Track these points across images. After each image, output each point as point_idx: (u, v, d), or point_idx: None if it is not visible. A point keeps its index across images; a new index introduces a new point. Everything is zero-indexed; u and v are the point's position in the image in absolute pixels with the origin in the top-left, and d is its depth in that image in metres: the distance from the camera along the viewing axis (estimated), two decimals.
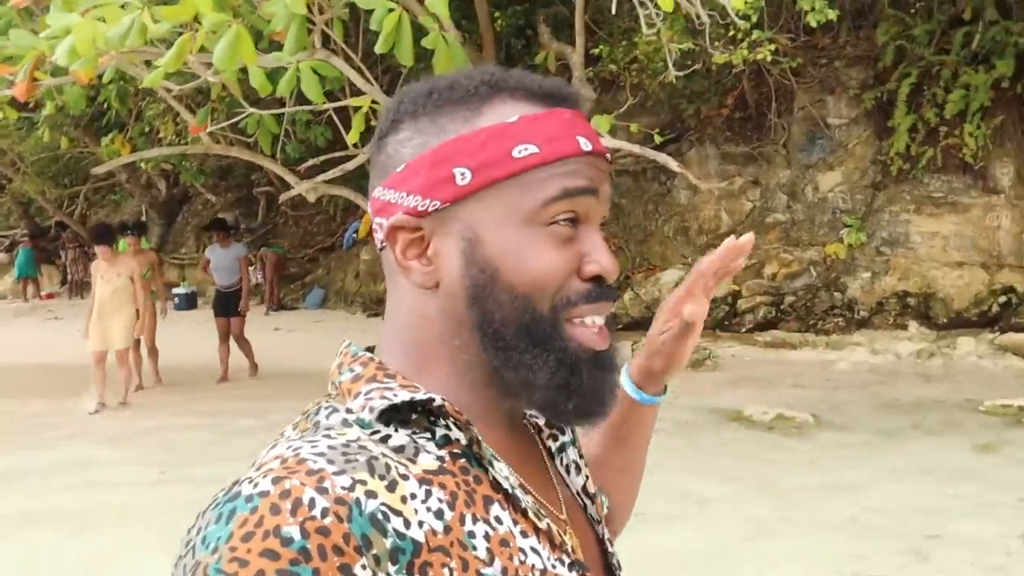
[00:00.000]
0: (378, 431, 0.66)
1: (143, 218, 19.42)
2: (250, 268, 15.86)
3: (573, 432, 0.87)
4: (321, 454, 0.61)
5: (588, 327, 0.71)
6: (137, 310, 8.12)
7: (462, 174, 0.69)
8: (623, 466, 1.01)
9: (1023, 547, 4.12)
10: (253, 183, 17.24)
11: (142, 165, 14.35)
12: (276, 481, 0.58)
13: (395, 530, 0.60)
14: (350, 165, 6.52)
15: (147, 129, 12.83)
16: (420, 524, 0.62)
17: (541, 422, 0.85)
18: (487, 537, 0.65)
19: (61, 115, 13.57)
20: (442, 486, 0.65)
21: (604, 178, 0.73)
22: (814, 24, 6.43)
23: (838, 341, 9.75)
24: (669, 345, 0.91)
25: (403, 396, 0.67)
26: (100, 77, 5.73)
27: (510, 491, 0.68)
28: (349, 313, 14.08)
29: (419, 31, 5.11)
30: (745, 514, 4.68)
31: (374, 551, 0.58)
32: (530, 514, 0.69)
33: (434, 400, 0.67)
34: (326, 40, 5.75)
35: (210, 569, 0.56)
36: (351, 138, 5.82)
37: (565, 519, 0.76)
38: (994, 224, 9.77)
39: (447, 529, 0.63)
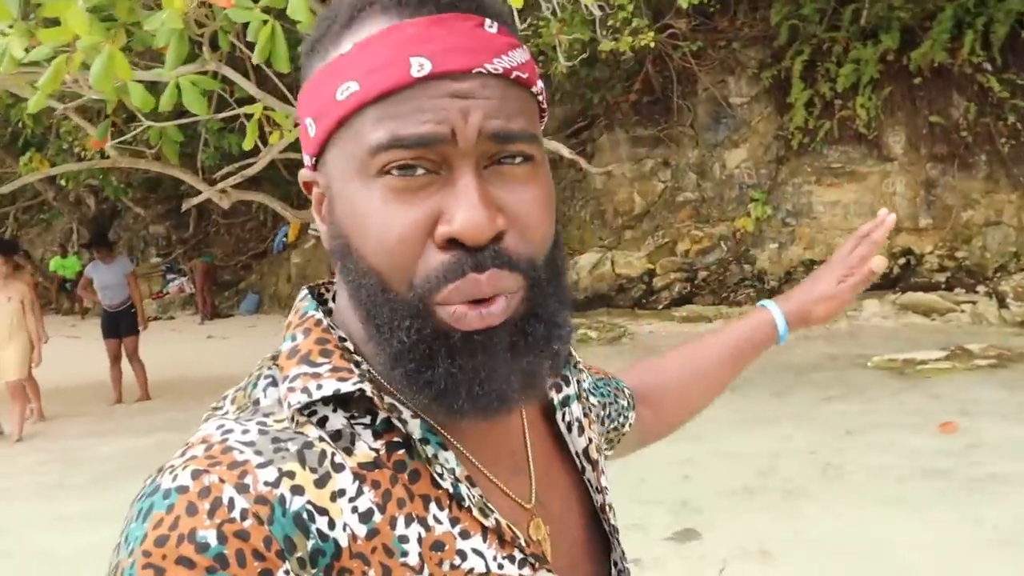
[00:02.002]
0: (316, 411, 0.60)
1: (72, 235, 19.23)
2: (183, 279, 15.91)
3: (579, 385, 0.80)
4: (250, 443, 0.57)
5: (460, 308, 0.59)
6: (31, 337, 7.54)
7: (310, 124, 0.62)
8: (711, 388, 1.08)
9: (814, 473, 4.48)
10: (182, 194, 17.19)
11: (63, 182, 14.26)
12: (196, 475, 0.55)
13: (318, 531, 0.56)
14: (249, 172, 6.68)
15: (65, 146, 12.78)
16: (344, 527, 0.57)
17: None
18: (420, 540, 0.60)
19: None
20: (375, 484, 0.59)
21: (469, 109, 0.57)
22: (685, 5, 6.74)
23: (751, 310, 10.14)
24: (844, 293, 1.05)
25: (327, 388, 0.60)
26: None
27: (451, 490, 0.62)
28: (283, 317, 14.16)
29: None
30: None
31: (298, 554, 0.55)
32: (474, 512, 0.62)
33: (364, 391, 0.60)
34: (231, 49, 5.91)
35: (125, 574, 0.53)
36: (246, 145, 5.99)
37: (531, 506, 0.68)
38: (890, 190, 10.24)
39: (372, 533, 0.58)
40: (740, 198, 10.72)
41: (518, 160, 0.60)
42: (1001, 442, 4.88)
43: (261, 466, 0.56)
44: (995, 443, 4.87)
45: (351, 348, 0.64)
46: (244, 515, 0.54)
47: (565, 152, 6.87)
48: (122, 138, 7.21)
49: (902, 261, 10.15)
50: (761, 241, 10.53)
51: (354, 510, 0.58)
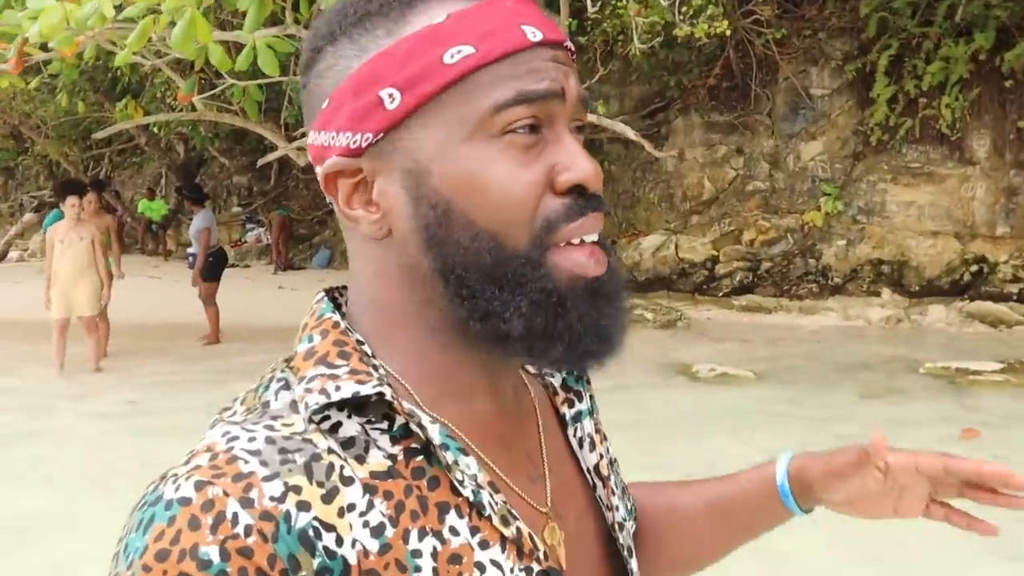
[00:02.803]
0: (328, 416, 0.59)
1: (161, 180, 20.01)
2: (260, 230, 16.46)
3: (592, 401, 0.79)
4: (256, 452, 0.56)
5: (576, 249, 0.61)
6: (106, 274, 7.92)
7: (390, 95, 0.60)
8: (709, 547, 0.89)
9: None
10: (266, 148, 17.72)
11: (155, 129, 14.85)
12: (199, 487, 0.54)
13: (325, 548, 0.55)
14: None
15: (158, 95, 13.32)
16: (353, 543, 0.56)
17: (557, 383, 0.77)
18: (434, 554, 0.58)
19: (80, 81, 14.13)
20: (387, 495, 0.58)
21: (568, 73, 0.63)
22: None
23: (811, 306, 10.08)
24: (854, 495, 0.80)
25: (346, 391, 0.59)
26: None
27: (471, 498, 0.60)
28: None
29: None
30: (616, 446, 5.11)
31: (302, 572, 0.54)
32: (495, 520, 0.61)
33: (383, 395, 0.59)
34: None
35: None
36: None
37: (546, 510, 0.68)
38: (968, 195, 9.98)
39: (384, 548, 0.57)
40: (811, 191, 10.58)
41: (581, 129, 0.65)
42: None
43: (267, 479, 0.54)
44: (1018, 458, 4.85)
45: (369, 352, 0.63)
46: (248, 531, 0.52)
47: (631, 134, 6.93)
48: (209, 93, 7.53)
49: (974, 268, 9.91)
50: (829, 237, 10.39)
51: (365, 524, 0.56)
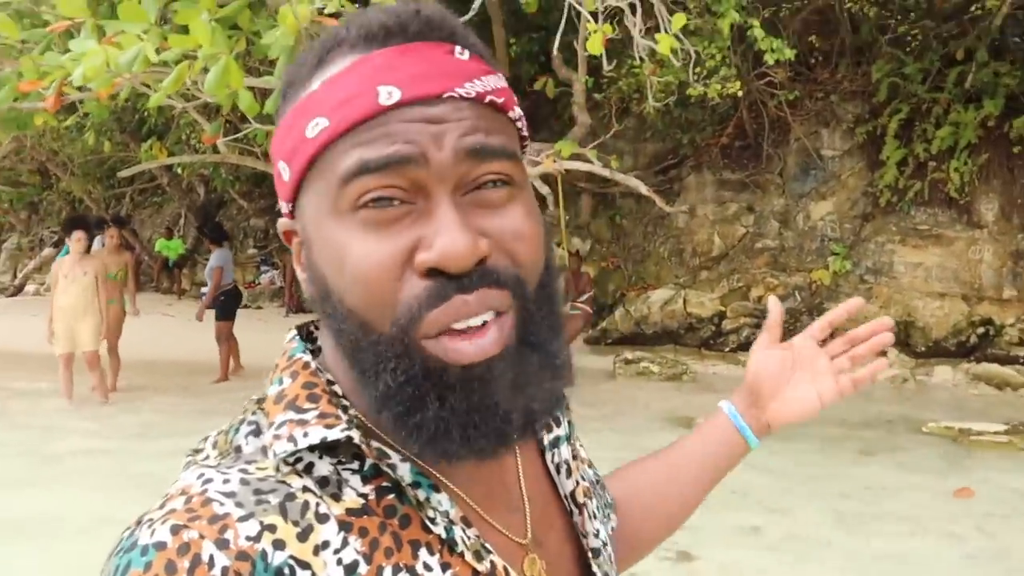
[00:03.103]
0: (301, 458, 0.59)
1: (180, 220, 20.33)
2: (274, 272, 16.67)
3: (570, 426, 0.78)
4: (231, 494, 0.56)
5: (453, 336, 0.56)
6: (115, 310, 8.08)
7: (283, 169, 0.61)
8: (688, 503, 0.96)
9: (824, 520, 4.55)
10: None
11: (178, 170, 15.18)
12: (175, 531, 0.53)
13: None
14: None
15: (183, 137, 13.65)
16: None
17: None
18: None
19: (108, 121, 14.50)
20: (362, 532, 0.58)
21: (442, 132, 0.57)
22: (771, 62, 6.91)
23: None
24: (825, 394, 0.94)
25: (313, 436, 0.58)
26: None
27: (442, 535, 0.60)
28: None
29: None
30: None
31: None
32: (467, 556, 0.60)
33: (351, 438, 0.58)
34: None
35: None
36: None
37: (526, 542, 0.67)
38: (976, 257, 10.08)
39: None
40: (820, 251, 10.70)
41: (498, 184, 0.59)
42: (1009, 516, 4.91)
43: (242, 520, 0.54)
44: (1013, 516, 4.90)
45: (339, 392, 0.63)
46: (225, 573, 0.52)
47: (643, 189, 7.10)
48: (232, 136, 7.77)
49: (980, 331, 9.96)
50: (836, 295, 10.48)
51: (339, 562, 0.56)
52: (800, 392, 0.93)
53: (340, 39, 0.60)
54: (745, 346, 10.60)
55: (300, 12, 4.85)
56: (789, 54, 6.57)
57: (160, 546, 0.52)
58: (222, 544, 0.53)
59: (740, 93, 7.43)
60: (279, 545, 0.54)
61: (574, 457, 0.76)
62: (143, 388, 8.90)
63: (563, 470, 0.74)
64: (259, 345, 11.29)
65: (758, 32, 6.37)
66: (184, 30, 5.24)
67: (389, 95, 0.56)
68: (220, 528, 0.53)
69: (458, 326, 0.56)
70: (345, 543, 0.57)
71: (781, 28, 10.58)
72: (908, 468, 5.95)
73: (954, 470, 5.91)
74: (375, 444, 0.60)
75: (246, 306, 15.86)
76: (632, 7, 5.10)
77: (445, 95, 0.57)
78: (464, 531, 0.61)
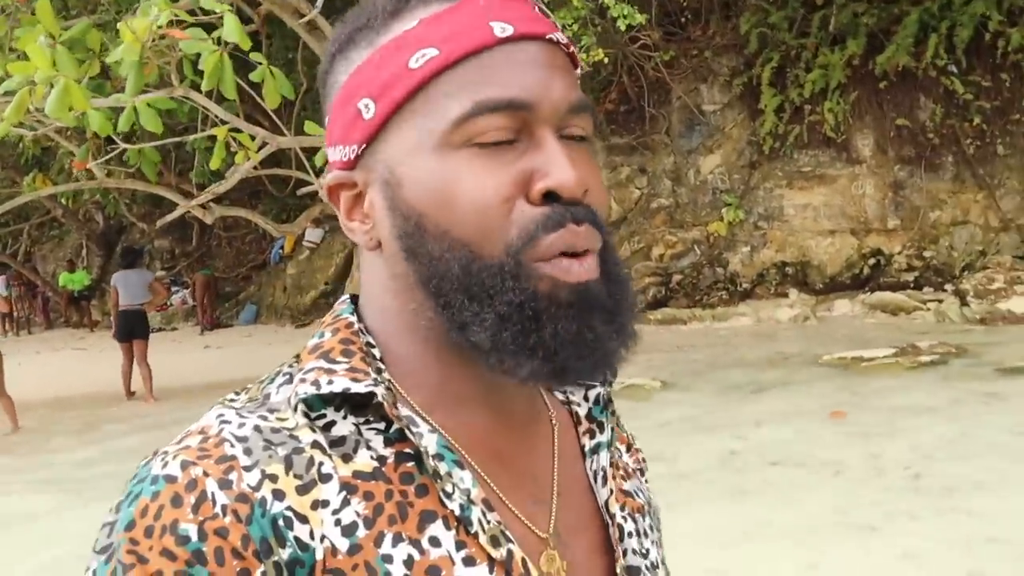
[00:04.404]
0: (324, 414, 0.59)
1: (83, 251, 19.78)
2: (185, 291, 16.37)
3: (612, 432, 0.73)
4: (243, 438, 0.56)
5: (564, 259, 0.58)
6: None
7: (366, 106, 0.60)
8: None
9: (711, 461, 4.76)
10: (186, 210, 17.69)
11: (64, 200, 14.74)
12: (184, 466, 0.55)
13: (296, 539, 0.55)
14: (220, 189, 7.05)
15: (65, 165, 13.25)
16: (322, 538, 0.55)
17: (582, 412, 0.72)
18: (408, 563, 0.56)
19: None
20: (367, 496, 0.57)
21: (550, 76, 0.59)
22: (623, 28, 7.05)
23: (724, 313, 10.43)
24: None
25: (337, 386, 0.59)
26: None
27: (457, 512, 0.58)
28: (279, 326, 14.61)
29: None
30: None
31: (274, 558, 0.54)
32: (482, 539, 0.58)
33: (374, 396, 0.59)
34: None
35: (113, 554, 0.54)
36: (212, 164, 6.36)
37: (546, 536, 0.64)
38: (859, 192, 10.48)
39: (354, 548, 0.56)
40: (713, 203, 10.98)
41: (579, 138, 0.61)
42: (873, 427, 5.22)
43: (247, 468, 0.55)
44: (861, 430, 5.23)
45: (377, 355, 0.63)
46: (224, 511, 0.53)
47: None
48: (104, 158, 7.59)
49: (872, 261, 10.38)
50: (733, 245, 10.79)
51: (336, 522, 0.56)
52: None
53: None
54: (654, 304, 10.86)
55: (137, 28, 4.78)
56: (640, 19, 6.72)
57: (169, 479, 0.54)
58: (224, 484, 0.54)
59: (606, 60, 7.54)
60: (278, 495, 0.55)
61: (612, 464, 0.72)
62: (54, 422, 8.68)
63: (599, 478, 0.70)
64: (175, 367, 11.12)
65: (608, 0, 6.48)
66: (26, 57, 5.12)
67: (503, 30, 0.58)
68: (225, 469, 0.55)
69: (568, 250, 0.57)
70: (346, 503, 0.56)
71: None
72: (797, 399, 6.21)
73: (839, 396, 6.18)
74: (404, 411, 0.60)
75: (160, 329, 15.54)
76: None
77: (548, 36, 0.60)
78: (484, 514, 0.59)
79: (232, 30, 4.57)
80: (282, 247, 15.12)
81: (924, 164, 10.19)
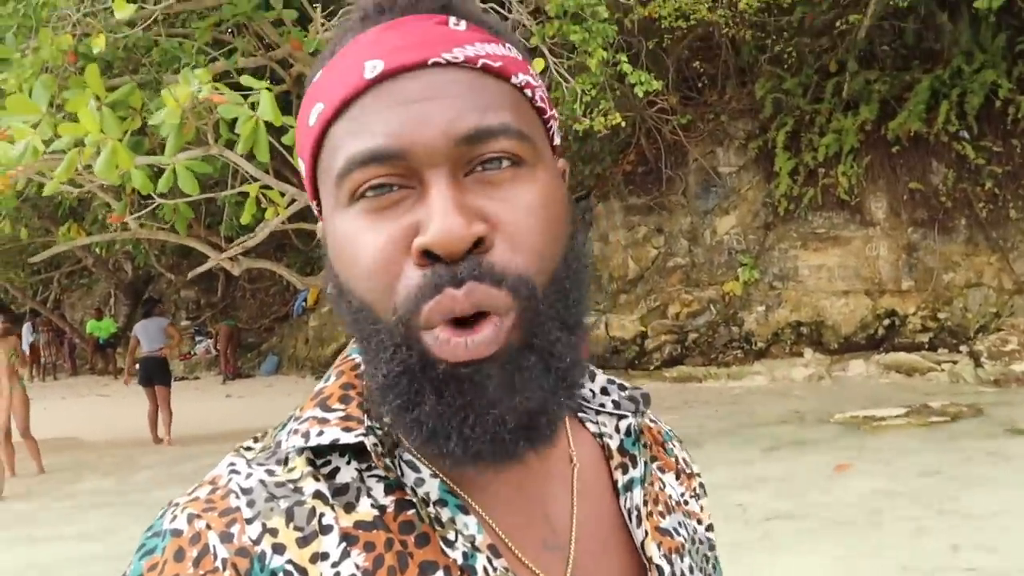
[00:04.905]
0: (329, 460, 0.58)
1: (111, 299, 20.20)
2: (208, 341, 16.66)
3: (646, 466, 0.68)
4: (248, 490, 0.56)
5: (451, 329, 0.53)
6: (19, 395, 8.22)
7: (302, 164, 0.60)
8: None
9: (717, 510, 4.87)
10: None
11: (97, 250, 15.15)
12: (190, 520, 0.55)
13: None
14: (250, 243, 7.34)
15: (100, 216, 13.68)
16: None
17: (614, 444, 0.67)
18: None
19: (24, 207, 14.46)
20: (368, 546, 0.55)
21: (420, 109, 0.53)
22: (641, 95, 7.34)
23: (739, 371, 10.54)
24: None
25: (327, 437, 0.57)
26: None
27: (459, 560, 0.56)
28: (299, 377, 14.84)
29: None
30: None
31: None
32: None
33: (363, 443, 0.57)
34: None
35: None
36: (243, 219, 6.66)
37: None
38: (873, 254, 10.63)
39: None
40: (729, 263, 11.17)
41: (504, 164, 0.55)
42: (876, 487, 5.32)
43: (249, 520, 0.54)
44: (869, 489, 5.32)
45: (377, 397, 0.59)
46: (224, 564, 0.53)
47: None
48: (139, 213, 7.92)
49: (886, 322, 10.48)
50: (749, 304, 10.94)
51: (336, 575, 0.54)
52: None
53: (346, 27, 0.59)
54: (669, 362, 10.99)
55: (179, 95, 5.10)
56: (656, 85, 7.01)
57: (175, 533, 0.54)
58: (225, 537, 0.54)
59: (623, 123, 7.84)
60: (279, 549, 0.54)
61: (645, 502, 0.66)
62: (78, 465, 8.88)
63: (634, 517, 0.65)
64: (196, 414, 11.34)
65: (626, 67, 6.78)
66: (75, 117, 5.45)
67: (373, 68, 0.54)
68: (228, 522, 0.54)
69: (455, 316, 0.52)
70: (345, 555, 0.54)
71: (665, 56, 11.16)
72: (807, 455, 6.31)
73: (849, 452, 6.28)
74: (406, 455, 0.58)
75: (183, 378, 15.81)
76: None
77: (430, 61, 0.54)
78: (491, 560, 0.56)
79: (267, 109, 4.87)
80: (305, 299, 15.43)
81: (937, 227, 10.35)
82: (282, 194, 7.04)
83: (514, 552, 0.59)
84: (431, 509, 0.56)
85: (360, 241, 0.54)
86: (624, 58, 6.77)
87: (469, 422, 0.53)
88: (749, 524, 4.94)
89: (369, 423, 0.58)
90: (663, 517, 0.67)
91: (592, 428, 0.68)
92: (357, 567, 0.54)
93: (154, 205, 7.23)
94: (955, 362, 9.54)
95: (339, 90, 0.54)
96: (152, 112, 6.03)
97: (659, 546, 0.65)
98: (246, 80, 5.10)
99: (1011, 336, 9.12)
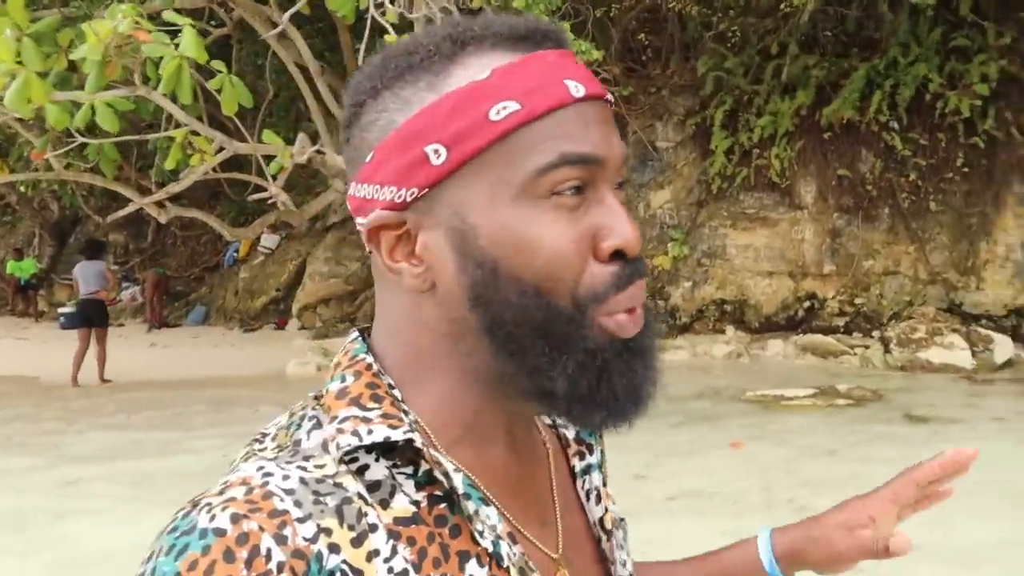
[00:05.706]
0: (356, 458, 0.60)
1: (35, 239, 19.60)
2: (135, 288, 16.33)
3: (602, 454, 0.79)
4: (291, 491, 0.56)
5: (620, 316, 0.61)
6: None
7: (435, 151, 0.60)
8: None
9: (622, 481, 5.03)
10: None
11: (22, 188, 14.67)
12: (235, 520, 0.54)
13: None
14: (175, 189, 7.20)
15: (25, 153, 13.23)
16: None
17: (570, 435, 0.77)
18: None
19: None
20: (411, 541, 0.59)
21: (610, 133, 0.62)
22: (589, 60, 7.38)
23: (662, 345, 10.70)
24: (845, 551, 0.85)
25: (378, 435, 0.60)
26: None
27: (490, 548, 0.61)
28: (227, 329, 14.65)
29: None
30: None
31: None
32: (513, 572, 0.62)
33: (413, 441, 0.60)
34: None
35: None
36: (167, 165, 6.52)
37: (558, 556, 0.68)
38: (799, 237, 10.89)
39: None
40: (660, 237, 11.32)
41: (623, 186, 0.66)
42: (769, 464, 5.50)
43: (300, 520, 0.55)
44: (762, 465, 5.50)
45: (399, 396, 0.64)
46: (280, 568, 0.53)
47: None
48: (63, 150, 7.69)
49: (806, 304, 10.77)
50: (676, 279, 11.13)
51: (389, 571, 0.57)
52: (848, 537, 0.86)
53: (474, 36, 0.62)
54: None
55: (101, 30, 4.95)
56: (597, 55, 7.03)
57: (219, 532, 0.53)
58: (280, 539, 0.54)
59: None
60: (334, 549, 0.55)
61: (604, 484, 0.78)
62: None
63: (592, 496, 0.76)
64: (120, 363, 11.13)
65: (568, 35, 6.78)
66: None
67: (577, 89, 0.61)
68: (279, 524, 0.54)
69: (632, 306, 0.62)
70: (395, 552, 0.58)
71: (611, 26, 11.17)
72: (714, 431, 6.50)
73: (752, 430, 6.48)
74: (433, 452, 0.61)
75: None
76: (429, 20, 5.39)
77: (606, 98, 0.64)
78: (510, 547, 0.62)
79: (190, 45, 4.76)
80: (237, 250, 15.19)
81: (862, 214, 10.63)
82: (210, 141, 6.90)
83: (523, 533, 0.66)
84: (464, 502, 0.61)
85: (549, 233, 0.60)
86: (567, 26, 6.77)
87: (643, 381, 0.63)
88: (648, 497, 5.08)
89: (408, 420, 0.62)
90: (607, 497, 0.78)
91: (548, 420, 0.77)
92: (406, 560, 0.58)
93: (77, 143, 7.03)
94: (867, 347, 9.86)
95: (544, 99, 0.59)
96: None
97: (612, 522, 0.76)
98: (169, 16, 4.96)
99: (920, 324, 9.46)
